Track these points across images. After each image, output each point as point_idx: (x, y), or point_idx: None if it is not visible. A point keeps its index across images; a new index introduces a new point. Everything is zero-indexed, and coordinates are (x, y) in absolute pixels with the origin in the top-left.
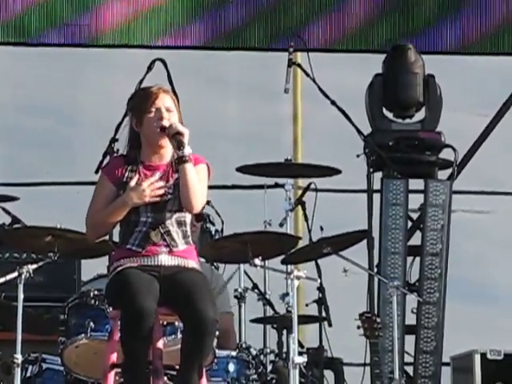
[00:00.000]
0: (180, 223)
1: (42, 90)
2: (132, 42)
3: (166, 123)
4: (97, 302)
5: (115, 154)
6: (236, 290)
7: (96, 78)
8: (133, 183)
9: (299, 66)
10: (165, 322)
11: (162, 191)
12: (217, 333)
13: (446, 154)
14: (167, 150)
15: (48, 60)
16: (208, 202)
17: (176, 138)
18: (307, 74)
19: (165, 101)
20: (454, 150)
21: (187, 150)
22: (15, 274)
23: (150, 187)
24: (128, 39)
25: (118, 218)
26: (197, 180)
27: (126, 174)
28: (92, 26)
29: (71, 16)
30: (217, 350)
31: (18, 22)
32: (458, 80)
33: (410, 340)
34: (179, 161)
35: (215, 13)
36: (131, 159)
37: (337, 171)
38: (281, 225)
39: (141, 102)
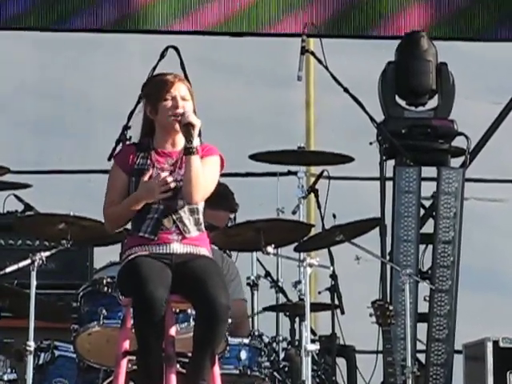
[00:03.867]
0: (192, 211)
1: (54, 76)
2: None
3: (180, 111)
4: (109, 290)
5: (128, 142)
6: (249, 278)
7: (109, 65)
8: (145, 179)
9: (312, 53)
10: (177, 310)
11: (172, 185)
12: (229, 320)
13: (458, 142)
14: (181, 137)
15: (61, 46)
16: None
17: (186, 128)
18: (320, 62)
19: (180, 89)
20: (467, 137)
21: (195, 142)
22: (28, 262)
23: (160, 185)
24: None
25: (133, 212)
26: (201, 173)
27: (138, 161)
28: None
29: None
30: (229, 338)
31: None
32: (470, 67)
33: (422, 328)
34: (186, 151)
35: None
36: (144, 146)
37: (350, 159)
38: (293, 212)
39: (157, 89)
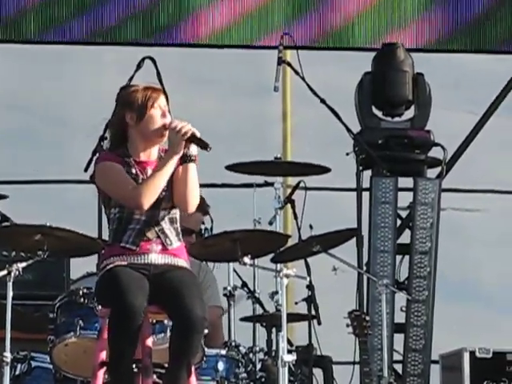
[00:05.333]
0: (172, 221)
1: (29, 87)
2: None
3: (168, 121)
4: (86, 301)
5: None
6: (225, 289)
7: (83, 76)
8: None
9: (289, 64)
10: (154, 321)
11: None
12: (206, 331)
13: (435, 153)
14: (155, 148)
15: (35, 57)
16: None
17: (192, 137)
18: (297, 73)
19: (164, 101)
20: (443, 148)
21: (194, 150)
22: (4, 272)
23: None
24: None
25: (167, 177)
26: (197, 181)
27: (126, 169)
28: None
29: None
30: (206, 349)
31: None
32: (447, 78)
33: (399, 338)
34: (187, 159)
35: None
36: (123, 155)
37: (326, 169)
38: (270, 223)
39: (144, 97)
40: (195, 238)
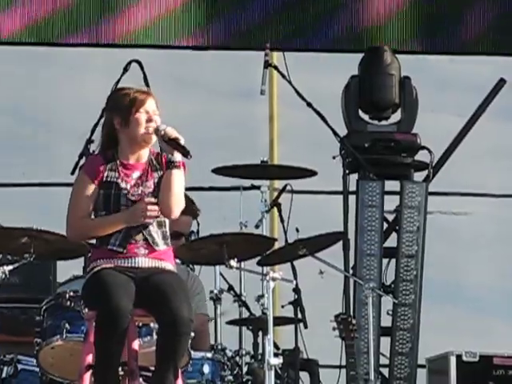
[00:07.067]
0: (160, 224)
1: (14, 90)
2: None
3: (154, 125)
4: (72, 304)
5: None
6: (212, 292)
7: (70, 79)
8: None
9: (275, 67)
10: (140, 324)
11: (156, 212)
12: (192, 334)
13: (421, 156)
14: (146, 151)
15: (22, 59)
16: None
17: (174, 143)
18: (283, 76)
19: (152, 104)
20: (430, 151)
21: (178, 157)
22: None
23: (147, 210)
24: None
25: (108, 232)
26: (181, 187)
27: (107, 174)
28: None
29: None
30: (192, 352)
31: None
32: (434, 81)
33: (385, 342)
34: (170, 165)
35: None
36: (109, 158)
37: (313, 173)
38: (257, 226)
39: (130, 102)
40: (184, 242)
